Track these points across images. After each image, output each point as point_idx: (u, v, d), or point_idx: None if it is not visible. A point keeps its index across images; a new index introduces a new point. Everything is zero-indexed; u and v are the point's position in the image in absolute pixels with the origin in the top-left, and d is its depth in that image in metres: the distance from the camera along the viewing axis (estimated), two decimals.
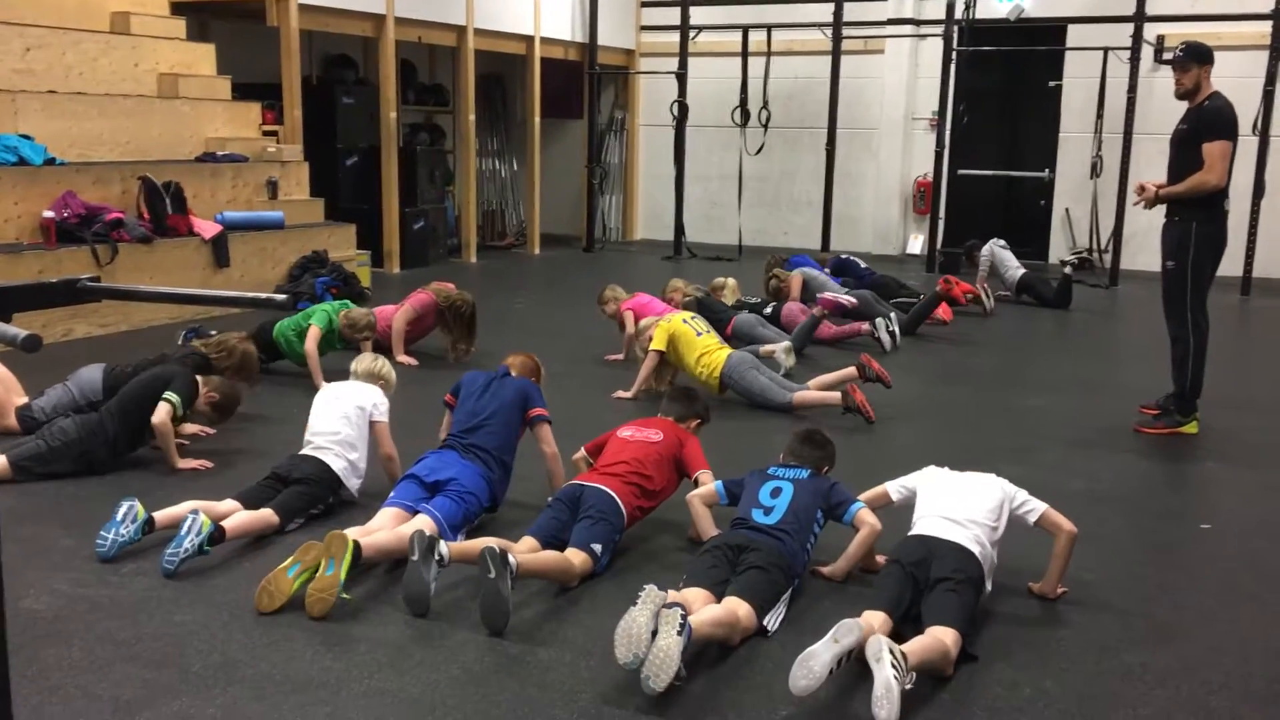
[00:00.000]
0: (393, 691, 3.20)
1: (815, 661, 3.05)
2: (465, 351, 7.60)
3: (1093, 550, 4.40)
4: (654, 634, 3.14)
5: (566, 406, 5.40)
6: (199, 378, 5.31)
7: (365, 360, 5.03)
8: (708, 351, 6.63)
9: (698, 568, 3.74)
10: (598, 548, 3.99)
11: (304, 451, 4.62)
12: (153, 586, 3.84)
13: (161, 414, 4.99)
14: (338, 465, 4.54)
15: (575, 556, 3.92)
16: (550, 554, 3.91)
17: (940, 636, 3.32)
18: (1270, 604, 3.99)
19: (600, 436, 4.63)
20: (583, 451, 4.66)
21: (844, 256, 10.66)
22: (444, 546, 3.69)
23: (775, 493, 3.97)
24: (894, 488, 4.06)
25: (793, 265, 9.82)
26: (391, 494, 4.32)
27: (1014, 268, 10.83)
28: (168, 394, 5.03)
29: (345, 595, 3.67)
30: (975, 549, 3.65)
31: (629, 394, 6.64)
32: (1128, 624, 3.77)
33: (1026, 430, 6.27)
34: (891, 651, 3.03)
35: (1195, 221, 5.88)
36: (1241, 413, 6.68)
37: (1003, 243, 11.01)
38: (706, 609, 3.44)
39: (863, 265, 10.57)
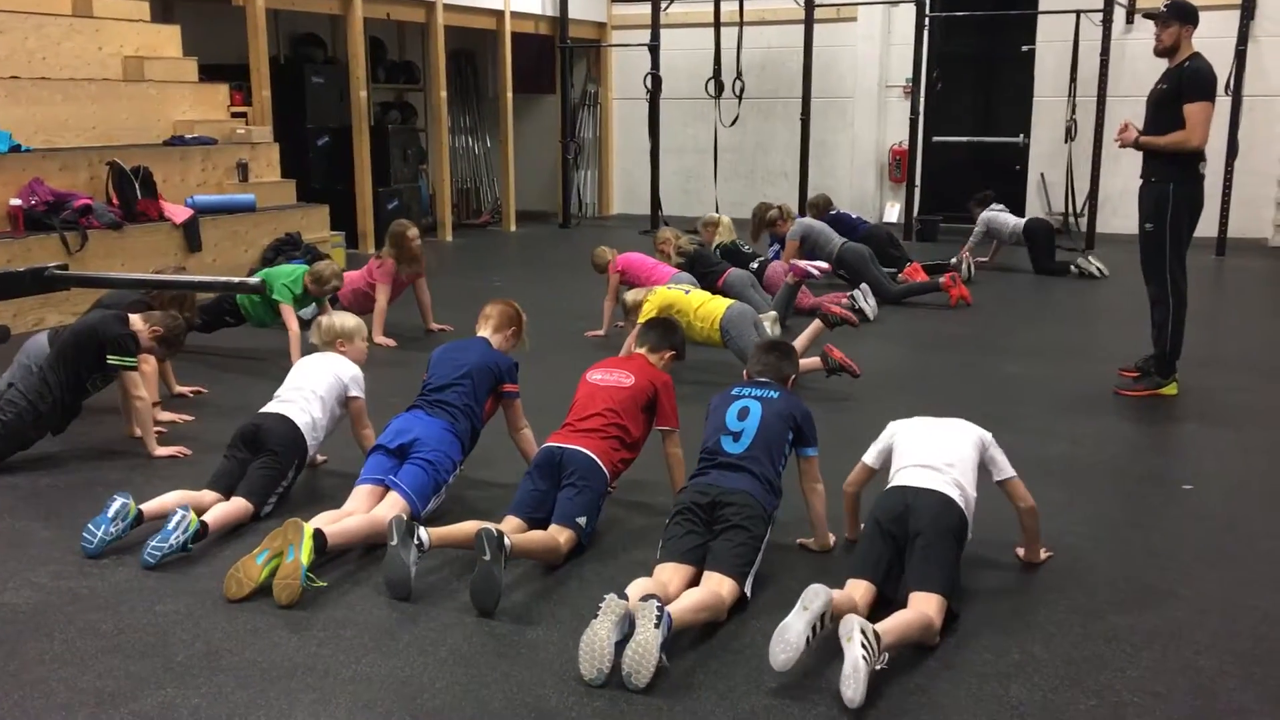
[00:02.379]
0: (380, 675, 3.17)
1: (790, 633, 3.03)
2: (416, 274, 7.74)
3: (1076, 514, 4.42)
4: (620, 643, 3.09)
5: (547, 383, 5.37)
6: (131, 315, 5.17)
7: (322, 325, 4.90)
8: (704, 304, 6.54)
9: (671, 537, 3.67)
10: (582, 520, 3.95)
11: (268, 408, 4.54)
12: (134, 577, 3.80)
13: (136, 385, 4.93)
14: (302, 420, 4.46)
15: (561, 535, 3.88)
16: (537, 535, 3.86)
17: (923, 609, 3.30)
18: (1253, 564, 4.01)
19: None
20: None
21: (834, 211, 10.60)
22: (423, 533, 3.65)
23: (743, 414, 3.89)
24: (870, 458, 3.97)
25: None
26: (362, 470, 4.26)
27: (1014, 223, 10.80)
28: (112, 358, 4.90)
29: (320, 582, 3.64)
30: (954, 493, 3.59)
31: None
32: (1113, 587, 3.78)
33: (1007, 396, 6.28)
34: (863, 631, 2.99)
35: (1173, 183, 5.87)
36: (1220, 373, 6.71)
37: (1000, 206, 11.02)
38: (687, 596, 3.38)
39: (854, 216, 10.56)
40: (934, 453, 3.72)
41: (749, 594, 3.56)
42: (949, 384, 6.64)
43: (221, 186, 9.89)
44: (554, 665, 3.22)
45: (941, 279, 9.08)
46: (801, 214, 10.78)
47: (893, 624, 3.18)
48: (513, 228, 14.22)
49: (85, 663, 3.24)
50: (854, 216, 10.50)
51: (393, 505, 4.03)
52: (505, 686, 3.11)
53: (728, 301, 6.61)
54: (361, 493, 4.13)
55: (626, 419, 4.20)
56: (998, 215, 10.87)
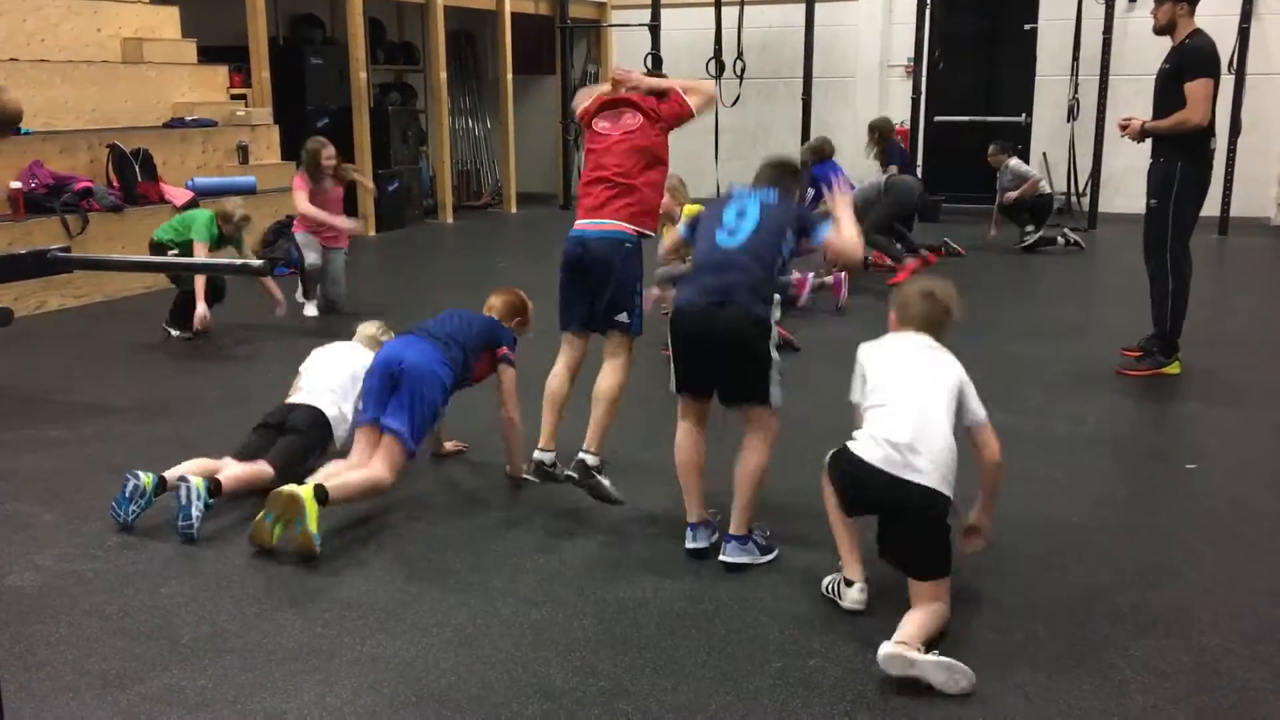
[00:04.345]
0: (385, 657, 3.18)
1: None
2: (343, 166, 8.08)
3: (1079, 493, 4.43)
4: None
5: (547, 366, 5.35)
6: None
7: (370, 327, 5.02)
8: None
9: (680, 369, 3.78)
10: (623, 317, 4.10)
11: (293, 399, 4.56)
12: (139, 559, 3.81)
13: None
14: (330, 411, 4.50)
15: (611, 370, 4.14)
16: (604, 397, 4.11)
17: (936, 602, 3.22)
18: (1256, 542, 4.01)
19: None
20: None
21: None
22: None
23: (740, 214, 3.83)
24: (856, 396, 3.58)
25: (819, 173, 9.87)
26: (360, 405, 4.34)
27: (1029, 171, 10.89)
28: None
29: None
30: (937, 480, 3.23)
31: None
32: (1116, 566, 3.78)
33: (1008, 375, 6.26)
34: (919, 650, 3.00)
35: (1180, 161, 5.85)
36: (1222, 352, 6.71)
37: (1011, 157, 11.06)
38: (742, 489, 3.70)
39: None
40: (911, 423, 3.29)
41: (778, 405, 3.73)
42: None
43: (222, 169, 9.87)
44: (559, 644, 3.23)
45: (908, 260, 9.07)
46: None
47: (918, 625, 3.12)
48: (513, 209, 14.19)
49: (91, 645, 3.25)
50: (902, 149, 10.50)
51: (386, 451, 4.10)
52: (510, 667, 3.12)
53: None
54: (360, 436, 4.23)
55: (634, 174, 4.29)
56: (1020, 163, 10.93)
